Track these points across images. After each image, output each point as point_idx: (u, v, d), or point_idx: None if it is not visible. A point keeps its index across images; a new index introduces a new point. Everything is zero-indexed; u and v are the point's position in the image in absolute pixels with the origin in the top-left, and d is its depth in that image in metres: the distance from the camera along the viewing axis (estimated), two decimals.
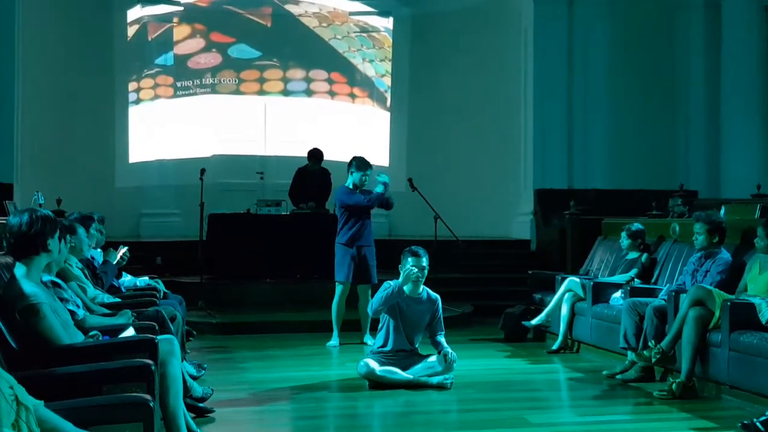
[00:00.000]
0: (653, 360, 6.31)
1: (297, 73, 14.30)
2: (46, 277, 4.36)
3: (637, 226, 8.07)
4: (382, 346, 6.51)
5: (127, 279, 7.37)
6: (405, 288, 6.46)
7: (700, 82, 13.02)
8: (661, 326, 6.53)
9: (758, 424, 4.96)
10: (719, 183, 12.59)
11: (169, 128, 13.73)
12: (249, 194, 12.29)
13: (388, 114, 14.65)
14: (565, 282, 8.19)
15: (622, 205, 11.23)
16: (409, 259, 6.42)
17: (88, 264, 6.27)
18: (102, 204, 10.85)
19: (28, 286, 3.79)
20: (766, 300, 5.88)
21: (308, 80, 14.34)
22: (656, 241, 8.14)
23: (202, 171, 10.25)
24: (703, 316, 6.09)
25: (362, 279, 8.21)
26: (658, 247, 8.06)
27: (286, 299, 10.36)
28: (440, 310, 6.62)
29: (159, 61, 13.84)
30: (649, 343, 6.41)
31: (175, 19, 13.92)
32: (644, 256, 7.93)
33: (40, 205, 7.76)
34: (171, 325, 5.59)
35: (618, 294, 7.57)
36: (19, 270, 3.87)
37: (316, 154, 10.91)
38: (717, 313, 6.03)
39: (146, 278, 7.66)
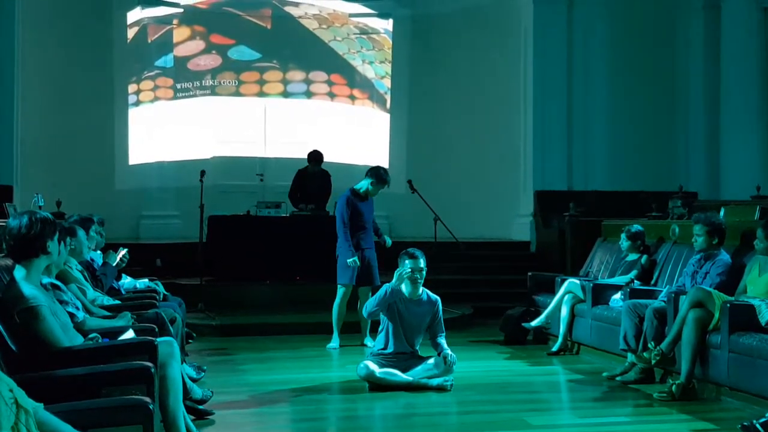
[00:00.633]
0: (653, 361, 6.31)
1: (297, 75, 14.31)
2: (46, 280, 4.36)
3: (636, 227, 8.07)
4: (382, 349, 6.52)
5: (126, 281, 7.37)
6: (405, 290, 6.47)
7: (699, 84, 13.02)
8: (660, 328, 6.53)
9: (758, 425, 4.95)
10: (719, 184, 12.58)
11: (168, 130, 13.73)
12: (249, 196, 12.29)
13: (387, 116, 14.66)
14: (565, 284, 8.19)
15: (621, 207, 11.22)
16: (407, 262, 6.42)
17: (87, 266, 6.27)
18: (102, 206, 10.83)
19: (28, 289, 3.79)
20: (766, 302, 5.88)
21: (308, 82, 14.35)
22: (656, 242, 8.14)
23: (202, 173, 10.26)
24: (703, 318, 6.09)
25: (365, 281, 8.22)
26: (657, 248, 8.06)
27: (285, 301, 10.37)
28: (440, 312, 6.62)
29: (159, 62, 13.85)
30: (649, 345, 6.41)
31: (175, 21, 13.93)
32: (644, 257, 7.93)
33: (40, 207, 7.77)
34: (171, 327, 5.59)
35: (618, 295, 7.57)
36: (19, 272, 3.87)
37: (316, 156, 10.91)
38: (717, 315, 6.03)
39: (146, 280, 7.66)
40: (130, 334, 4.55)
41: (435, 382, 6.33)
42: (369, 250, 8.24)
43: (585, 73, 12.92)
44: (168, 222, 13.10)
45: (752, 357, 5.67)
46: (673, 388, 6.03)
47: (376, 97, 14.69)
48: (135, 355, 3.93)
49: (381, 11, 14.61)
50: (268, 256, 10.63)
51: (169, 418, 4.06)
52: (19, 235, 3.86)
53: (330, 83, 14.43)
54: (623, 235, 8.04)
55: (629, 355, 6.77)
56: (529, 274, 9.29)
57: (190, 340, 7.47)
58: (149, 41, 13.78)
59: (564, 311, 8.05)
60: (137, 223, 13.24)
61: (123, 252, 6.99)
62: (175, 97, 13.91)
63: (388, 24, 14.69)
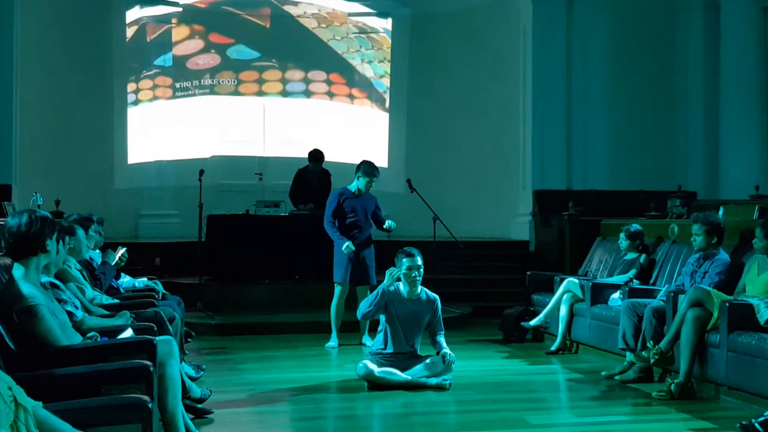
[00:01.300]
0: (652, 361, 6.31)
1: (296, 74, 14.31)
2: (45, 279, 4.36)
3: (635, 227, 8.08)
4: (381, 348, 6.52)
5: (125, 280, 7.38)
6: (403, 289, 6.48)
7: (698, 83, 13.02)
8: (659, 327, 6.54)
9: (757, 424, 4.96)
10: (718, 184, 12.59)
11: (167, 129, 13.72)
12: (248, 195, 12.28)
13: (386, 115, 14.66)
14: (564, 283, 8.19)
15: (620, 206, 11.22)
16: (404, 260, 6.43)
17: (86, 265, 6.27)
18: (100, 205, 10.85)
19: (27, 288, 3.79)
20: (765, 301, 5.88)
21: (307, 81, 14.35)
22: (655, 241, 8.15)
23: (201, 172, 10.25)
24: (702, 317, 6.10)
25: (360, 280, 8.22)
26: (656, 247, 8.07)
27: (284, 300, 10.36)
28: (440, 311, 6.62)
29: (158, 62, 13.84)
30: (648, 344, 6.41)
31: (174, 20, 13.92)
32: (643, 256, 7.94)
33: (39, 206, 7.78)
34: (169, 326, 5.60)
35: (617, 295, 7.58)
36: (18, 271, 3.86)
37: (317, 155, 10.90)
38: (715, 314, 6.04)
39: (145, 279, 7.66)
40: (128, 333, 4.55)
41: (434, 381, 6.33)
42: (365, 249, 8.24)
43: (584, 73, 12.92)
44: (167, 221, 13.10)
45: (751, 356, 5.67)
46: (672, 387, 6.03)
47: (375, 97, 14.69)
48: (134, 354, 3.93)
49: (380, 10, 14.61)
50: (266, 255, 10.63)
51: (168, 416, 4.07)
52: (18, 233, 3.85)
53: (329, 82, 14.43)
54: (622, 235, 8.05)
55: (628, 354, 6.77)
56: (528, 273, 9.30)
57: (189, 339, 7.47)
58: (148, 40, 13.77)
59: (563, 310, 8.06)
60: (136, 222, 13.24)
61: (122, 251, 7.00)
62: (174, 97, 13.91)
63: (387, 23, 14.69)
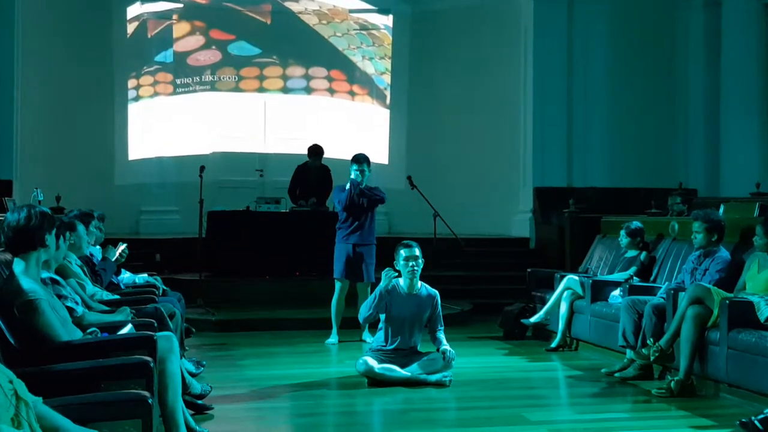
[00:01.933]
0: (652, 358, 6.31)
1: (296, 71, 14.30)
2: (45, 274, 4.36)
3: (636, 224, 8.07)
4: (382, 344, 6.52)
5: (126, 276, 7.38)
6: (402, 284, 6.47)
7: (699, 81, 13.02)
8: (659, 324, 6.54)
9: (756, 422, 4.96)
10: (718, 181, 12.59)
11: (168, 125, 13.72)
12: (248, 191, 12.29)
13: (387, 112, 14.65)
14: (564, 280, 8.19)
15: (621, 204, 11.23)
16: (402, 251, 6.44)
17: (87, 261, 6.27)
18: (101, 201, 10.85)
19: (27, 283, 3.79)
20: (765, 298, 5.88)
21: (308, 78, 14.34)
22: (655, 239, 8.14)
23: (202, 168, 10.25)
24: (702, 315, 6.10)
25: (358, 277, 8.22)
26: (657, 245, 8.06)
27: (285, 296, 10.37)
28: (439, 306, 6.62)
29: (158, 58, 13.84)
30: (648, 341, 6.41)
31: (175, 16, 13.92)
32: (643, 254, 7.93)
33: (39, 202, 7.78)
34: (170, 322, 5.60)
35: (617, 292, 7.57)
36: (18, 266, 3.86)
37: (316, 150, 10.90)
38: (715, 312, 6.04)
39: (145, 275, 7.66)
40: (129, 329, 4.55)
41: (434, 377, 6.33)
42: (364, 246, 8.22)
43: (585, 70, 12.92)
44: (167, 217, 13.11)
45: (751, 354, 5.67)
46: (672, 384, 6.03)
47: (375, 93, 14.68)
48: (134, 350, 3.93)
49: (381, 7, 14.60)
50: (267, 251, 10.63)
51: (168, 412, 4.07)
52: (17, 228, 3.85)
53: (330, 79, 14.42)
54: (622, 232, 8.04)
55: (628, 351, 6.77)
56: (528, 270, 9.29)
57: (189, 335, 7.47)
58: (149, 36, 13.77)
59: (563, 307, 8.06)
60: (137, 219, 13.25)
61: (122, 247, 7.00)
62: (174, 93, 13.90)
63: (388, 20, 14.67)
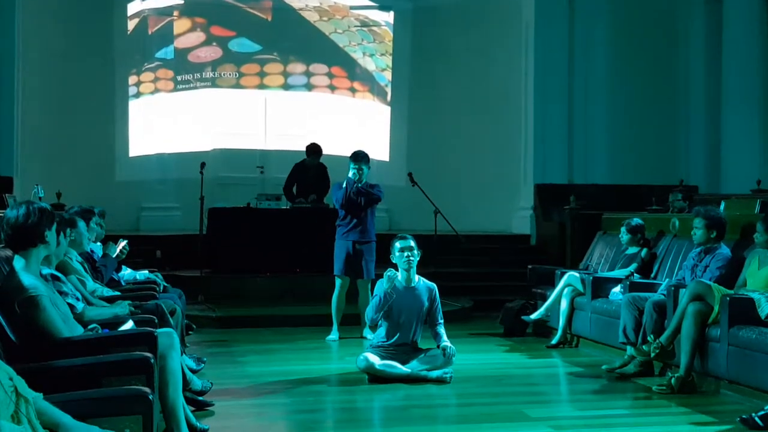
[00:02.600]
0: (652, 354, 6.31)
1: (297, 67, 14.29)
2: (46, 270, 4.36)
3: (636, 221, 8.07)
4: (383, 340, 6.52)
5: (126, 272, 7.38)
6: (400, 278, 6.46)
7: (700, 77, 13.01)
8: (660, 321, 6.54)
9: (757, 418, 4.97)
10: (719, 178, 12.58)
11: (169, 122, 13.72)
12: (249, 188, 12.28)
13: (388, 108, 14.64)
14: (565, 277, 8.19)
15: (622, 200, 11.22)
16: (397, 243, 6.46)
17: (87, 257, 6.27)
18: (102, 197, 10.83)
19: (28, 279, 3.79)
20: (766, 295, 5.88)
21: (308, 74, 14.34)
22: (656, 236, 8.14)
23: (202, 165, 10.25)
24: (703, 311, 6.10)
25: (358, 274, 8.22)
26: (657, 242, 8.06)
27: (285, 293, 10.37)
28: (438, 298, 6.61)
29: (159, 54, 13.83)
30: (649, 338, 6.41)
31: (176, 13, 13.91)
32: (644, 251, 7.93)
33: (40, 199, 7.79)
34: (170, 319, 5.60)
35: (617, 289, 7.57)
36: (18, 263, 3.86)
37: (315, 149, 10.89)
38: (716, 308, 6.04)
39: (146, 272, 7.65)
40: (129, 325, 4.56)
41: (434, 374, 6.33)
42: (364, 244, 8.22)
43: (586, 67, 12.90)
44: (168, 214, 13.11)
45: (751, 350, 5.68)
46: (673, 381, 6.03)
47: (376, 90, 14.67)
48: (135, 346, 3.93)
49: (382, 3, 14.59)
50: (268, 248, 10.63)
51: (169, 408, 4.07)
52: (16, 224, 3.85)
53: (330, 76, 14.41)
54: (623, 229, 8.04)
55: (628, 348, 6.77)
56: (529, 267, 9.29)
57: (189, 332, 7.48)
58: (150, 33, 13.76)
59: (564, 304, 8.06)
60: (137, 215, 13.25)
61: (123, 243, 7.00)
62: (175, 89, 13.90)
63: (389, 16, 14.66)
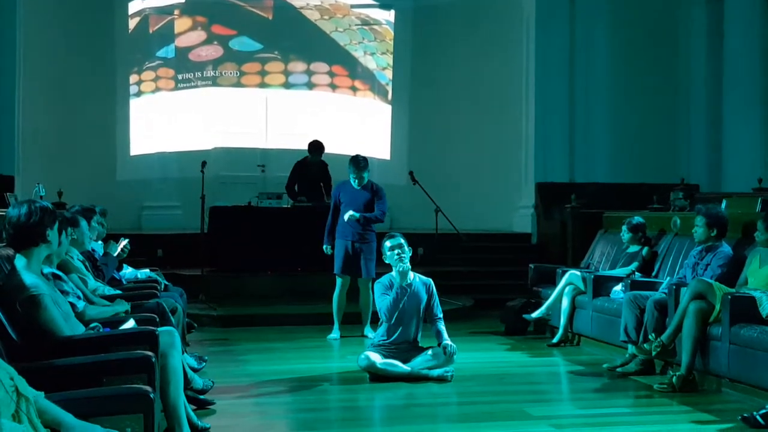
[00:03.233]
0: (653, 353, 6.31)
1: (298, 66, 14.30)
2: (47, 269, 4.37)
3: (637, 219, 8.07)
4: (384, 339, 6.52)
5: (128, 271, 7.39)
6: (396, 277, 6.45)
7: (701, 76, 12.99)
8: (661, 319, 6.53)
9: (758, 417, 4.97)
10: (720, 177, 12.56)
11: (170, 121, 13.73)
12: (250, 187, 12.28)
13: (389, 107, 14.64)
14: (566, 275, 8.19)
15: (623, 199, 11.21)
16: (387, 243, 6.48)
17: (89, 256, 6.27)
18: (103, 196, 10.83)
19: (29, 278, 3.79)
20: (767, 293, 5.88)
21: (309, 73, 14.34)
22: (657, 234, 8.14)
23: (203, 164, 10.25)
24: (704, 310, 6.10)
25: (358, 273, 8.22)
26: (659, 240, 8.06)
27: (286, 292, 10.38)
28: (435, 292, 6.60)
29: (160, 53, 13.84)
30: (650, 337, 6.41)
31: (176, 12, 13.91)
32: (645, 249, 7.93)
33: (41, 197, 7.77)
34: (172, 318, 5.60)
35: (618, 287, 7.57)
36: (20, 261, 3.87)
37: (317, 146, 10.88)
38: (717, 307, 6.04)
39: (147, 270, 7.67)
40: (131, 324, 4.56)
41: (435, 372, 6.33)
42: (363, 243, 8.21)
43: (587, 65, 12.89)
44: (169, 213, 13.12)
45: (753, 349, 5.68)
46: (674, 379, 6.03)
47: (377, 89, 14.67)
48: (136, 345, 3.93)
49: (383, 2, 14.59)
50: (269, 247, 10.63)
51: (170, 407, 4.07)
52: (18, 223, 3.85)
53: (331, 74, 14.42)
54: (624, 227, 8.04)
55: (630, 346, 6.77)
56: (531, 265, 9.29)
57: (191, 330, 7.49)
58: (150, 32, 13.77)
59: (565, 303, 8.06)
60: (139, 214, 13.26)
61: (124, 242, 7.01)
62: (176, 88, 13.91)
63: (389, 15, 14.66)
